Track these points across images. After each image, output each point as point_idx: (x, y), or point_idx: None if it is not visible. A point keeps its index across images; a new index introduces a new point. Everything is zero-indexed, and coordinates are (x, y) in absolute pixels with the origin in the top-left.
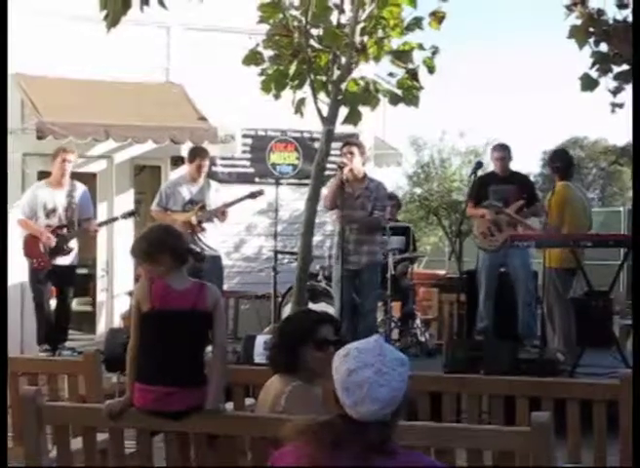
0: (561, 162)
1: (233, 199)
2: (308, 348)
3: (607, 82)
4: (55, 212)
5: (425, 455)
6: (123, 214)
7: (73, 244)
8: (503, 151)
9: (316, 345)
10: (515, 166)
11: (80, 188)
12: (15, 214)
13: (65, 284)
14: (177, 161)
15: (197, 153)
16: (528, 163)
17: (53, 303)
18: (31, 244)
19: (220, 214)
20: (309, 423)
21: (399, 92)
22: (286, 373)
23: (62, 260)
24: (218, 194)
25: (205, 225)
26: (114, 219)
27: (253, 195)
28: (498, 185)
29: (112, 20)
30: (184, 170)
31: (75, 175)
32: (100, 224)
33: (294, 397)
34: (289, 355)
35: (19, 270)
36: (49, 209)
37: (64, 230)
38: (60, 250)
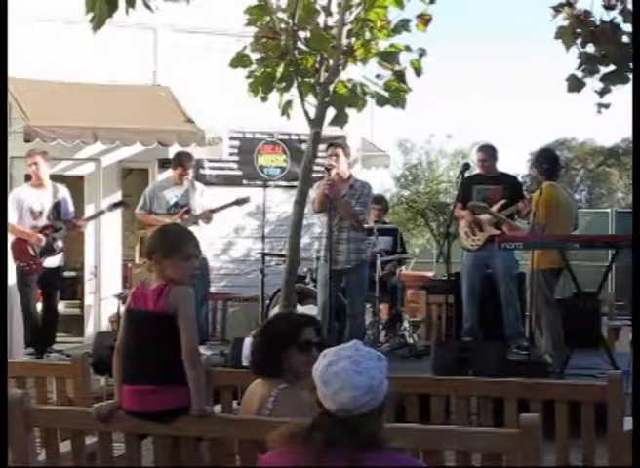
0: (548, 162)
1: (219, 205)
2: (292, 351)
3: (593, 83)
4: (42, 213)
5: (411, 457)
6: (109, 205)
7: (61, 243)
8: (485, 153)
9: (299, 348)
10: (502, 167)
11: (63, 191)
12: None
13: (52, 286)
14: (164, 163)
15: (180, 161)
16: (515, 164)
17: (39, 306)
18: (20, 247)
19: (205, 218)
20: (297, 427)
21: (386, 93)
22: (270, 377)
23: (49, 263)
24: (203, 197)
25: (190, 229)
26: (101, 212)
27: (238, 202)
28: (482, 185)
29: (98, 22)
30: (170, 172)
31: (63, 178)
32: (88, 219)
33: (282, 400)
34: (272, 359)
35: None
36: (36, 211)
37: (51, 230)
38: (50, 249)
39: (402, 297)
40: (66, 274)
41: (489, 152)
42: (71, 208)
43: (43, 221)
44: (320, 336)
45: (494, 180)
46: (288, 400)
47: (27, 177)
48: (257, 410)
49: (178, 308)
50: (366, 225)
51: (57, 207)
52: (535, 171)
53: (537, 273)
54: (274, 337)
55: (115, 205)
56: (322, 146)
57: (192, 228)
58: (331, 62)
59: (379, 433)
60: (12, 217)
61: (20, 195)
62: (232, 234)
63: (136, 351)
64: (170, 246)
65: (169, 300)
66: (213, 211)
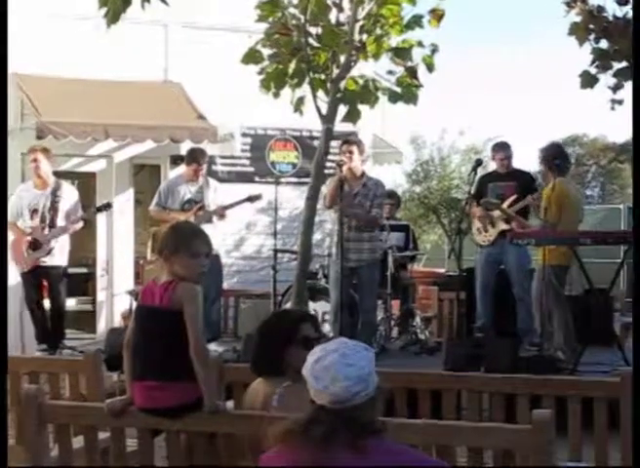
0: (559, 158)
1: (231, 201)
2: (291, 348)
3: (606, 79)
4: (37, 212)
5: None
6: (95, 207)
7: (54, 243)
8: (505, 151)
9: (298, 345)
10: (514, 163)
11: (67, 189)
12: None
13: (56, 284)
14: (176, 160)
15: (194, 157)
16: (527, 160)
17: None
18: (15, 247)
19: (219, 214)
20: (294, 423)
21: (398, 90)
22: (271, 376)
23: (50, 261)
24: (216, 194)
25: (203, 225)
26: (91, 213)
27: (250, 199)
28: (496, 182)
29: (113, 17)
30: (183, 169)
31: (75, 175)
32: (76, 221)
33: (287, 397)
34: (273, 357)
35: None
36: (32, 209)
37: (45, 230)
38: (39, 249)
39: (414, 294)
40: (79, 271)
41: (507, 150)
42: (76, 207)
43: (38, 220)
44: (318, 331)
45: (507, 177)
46: (293, 397)
47: None
48: (261, 409)
49: (183, 305)
50: None
51: (54, 205)
52: (545, 167)
53: (547, 269)
54: (273, 336)
55: (100, 208)
56: (334, 143)
57: (206, 225)
58: (343, 58)
59: (374, 423)
60: (12, 215)
61: (20, 193)
62: (244, 231)
63: (143, 347)
64: (179, 242)
65: (174, 297)
66: (225, 208)
